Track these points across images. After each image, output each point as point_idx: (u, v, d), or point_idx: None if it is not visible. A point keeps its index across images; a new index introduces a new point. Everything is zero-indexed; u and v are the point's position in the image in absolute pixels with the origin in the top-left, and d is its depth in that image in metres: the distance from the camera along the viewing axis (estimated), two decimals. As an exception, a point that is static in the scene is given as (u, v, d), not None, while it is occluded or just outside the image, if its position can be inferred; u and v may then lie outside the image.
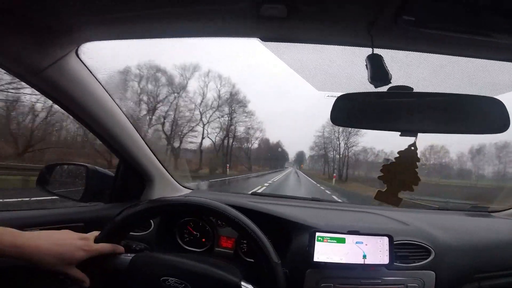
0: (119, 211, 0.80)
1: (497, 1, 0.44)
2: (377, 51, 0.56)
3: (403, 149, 0.67)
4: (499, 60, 0.61)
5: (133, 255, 0.77)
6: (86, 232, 0.78)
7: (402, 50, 0.60)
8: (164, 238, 1.13)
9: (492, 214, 1.42)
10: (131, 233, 1.04)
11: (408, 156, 0.68)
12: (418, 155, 0.67)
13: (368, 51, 0.59)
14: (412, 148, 0.67)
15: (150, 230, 1.11)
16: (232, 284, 0.70)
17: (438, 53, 0.61)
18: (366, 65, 0.56)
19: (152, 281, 0.72)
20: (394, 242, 0.90)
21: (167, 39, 0.65)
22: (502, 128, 0.58)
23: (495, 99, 0.58)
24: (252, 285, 0.71)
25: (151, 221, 1.12)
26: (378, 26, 0.51)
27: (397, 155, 0.68)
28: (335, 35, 0.59)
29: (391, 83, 0.56)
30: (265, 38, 0.61)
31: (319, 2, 0.47)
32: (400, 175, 0.69)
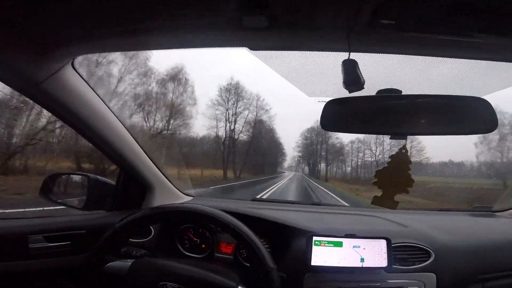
0: (120, 219, 0.81)
1: (474, 2, 0.44)
2: (359, 55, 0.57)
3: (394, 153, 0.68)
4: (483, 60, 0.61)
5: (132, 260, 0.78)
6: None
7: (385, 53, 0.61)
8: (165, 244, 1.14)
9: (495, 213, 1.39)
10: (131, 239, 1.06)
11: (400, 159, 0.69)
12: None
13: (357, 55, 0.59)
14: (403, 151, 0.68)
15: (150, 236, 1.12)
16: None
17: (422, 55, 0.61)
18: (342, 70, 0.57)
19: (151, 286, 0.73)
20: (393, 245, 0.90)
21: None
22: (490, 128, 0.58)
23: (482, 99, 0.58)
24: None
25: (151, 228, 1.13)
26: (357, 31, 0.52)
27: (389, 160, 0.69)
28: (317, 42, 0.60)
29: (364, 88, 0.57)
30: (252, 48, 0.62)
31: (297, 11, 0.48)
32: (394, 178, 0.69)
